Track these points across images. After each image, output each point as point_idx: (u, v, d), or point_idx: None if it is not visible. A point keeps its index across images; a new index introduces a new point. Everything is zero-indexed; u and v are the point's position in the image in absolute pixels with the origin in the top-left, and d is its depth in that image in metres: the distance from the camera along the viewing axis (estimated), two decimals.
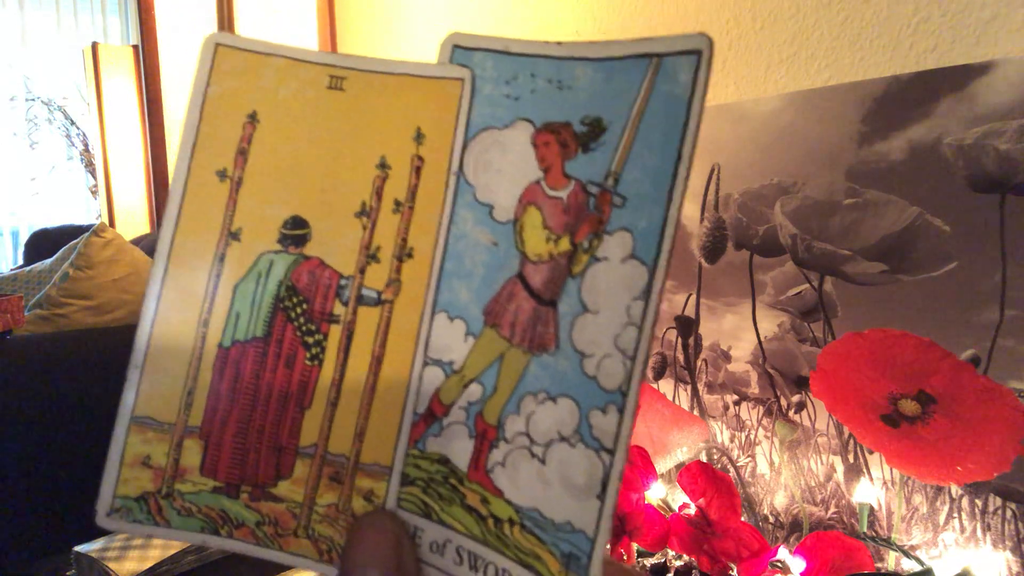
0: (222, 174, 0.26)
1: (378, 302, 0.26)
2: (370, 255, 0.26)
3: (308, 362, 0.26)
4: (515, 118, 0.26)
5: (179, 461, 0.25)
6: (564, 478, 0.23)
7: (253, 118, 0.26)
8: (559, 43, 0.25)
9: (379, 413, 0.26)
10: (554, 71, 0.25)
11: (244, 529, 0.25)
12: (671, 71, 0.22)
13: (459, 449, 0.25)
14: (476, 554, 0.25)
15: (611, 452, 0.22)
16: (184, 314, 0.25)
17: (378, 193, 0.26)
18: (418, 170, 0.26)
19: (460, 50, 0.26)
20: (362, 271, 0.26)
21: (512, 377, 0.25)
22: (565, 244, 0.24)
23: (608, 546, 0.22)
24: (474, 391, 0.25)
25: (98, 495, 0.25)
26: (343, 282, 0.26)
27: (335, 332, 0.26)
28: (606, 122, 0.24)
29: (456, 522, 0.25)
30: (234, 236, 0.26)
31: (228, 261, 0.26)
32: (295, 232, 0.26)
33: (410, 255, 0.26)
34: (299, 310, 0.26)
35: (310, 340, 0.26)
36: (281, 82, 0.26)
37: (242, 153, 0.26)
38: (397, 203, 0.26)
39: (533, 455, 0.24)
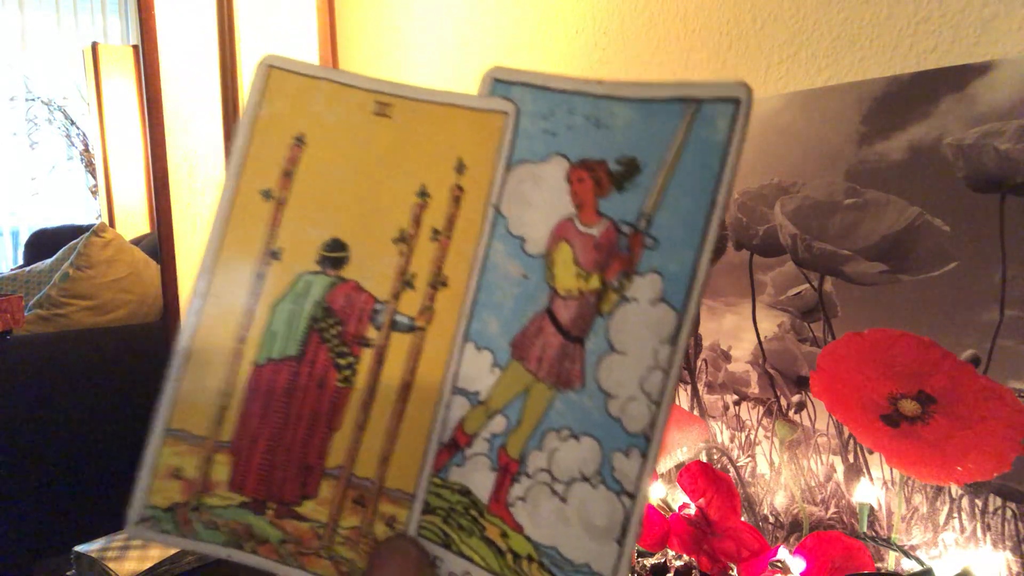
0: (267, 194, 0.26)
1: (411, 328, 0.26)
2: (405, 281, 0.26)
3: (339, 384, 0.26)
4: (551, 153, 0.25)
5: (209, 475, 0.25)
6: (584, 519, 0.23)
7: (300, 141, 0.26)
8: (599, 81, 0.25)
9: (405, 439, 0.26)
10: (592, 109, 0.25)
11: (267, 546, 0.25)
12: (709, 117, 0.22)
13: (481, 481, 0.25)
14: None
15: (632, 496, 0.22)
16: (222, 330, 0.25)
17: (417, 221, 0.26)
18: (457, 200, 0.26)
19: (500, 83, 0.26)
20: (396, 297, 0.26)
21: (536, 412, 0.25)
22: (595, 282, 0.24)
23: None
24: (498, 423, 0.25)
25: (130, 503, 0.25)
26: (377, 307, 0.26)
27: (367, 356, 0.26)
28: (641, 163, 0.23)
29: (475, 554, 0.25)
30: (275, 255, 0.26)
31: (268, 280, 0.26)
32: (334, 254, 0.26)
33: (444, 284, 0.26)
34: (333, 331, 0.26)
35: (342, 362, 0.26)
36: (329, 106, 0.26)
37: (287, 174, 0.26)
38: (435, 231, 0.26)
39: (554, 492, 0.24)
